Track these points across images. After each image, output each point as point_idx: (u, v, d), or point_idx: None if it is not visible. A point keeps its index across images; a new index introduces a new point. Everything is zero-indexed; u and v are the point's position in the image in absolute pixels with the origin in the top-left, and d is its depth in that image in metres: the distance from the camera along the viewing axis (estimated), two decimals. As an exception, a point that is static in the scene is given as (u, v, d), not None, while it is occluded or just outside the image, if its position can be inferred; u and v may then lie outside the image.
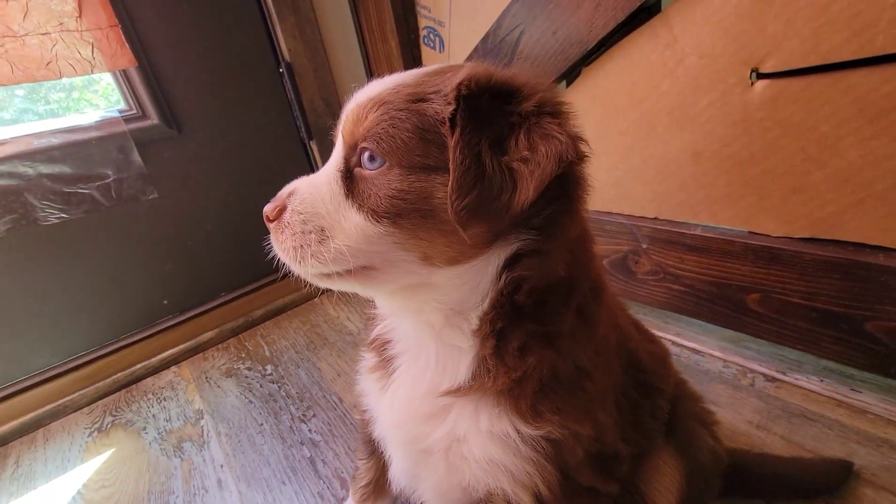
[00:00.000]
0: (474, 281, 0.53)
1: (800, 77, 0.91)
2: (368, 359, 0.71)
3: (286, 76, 1.79)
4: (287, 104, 1.84)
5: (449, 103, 0.49)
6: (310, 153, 1.93)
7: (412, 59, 1.80)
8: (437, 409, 0.59)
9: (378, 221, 0.50)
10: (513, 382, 0.54)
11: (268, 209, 0.55)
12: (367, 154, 0.51)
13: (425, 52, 1.77)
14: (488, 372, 0.55)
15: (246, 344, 1.78)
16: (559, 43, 1.23)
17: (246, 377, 1.58)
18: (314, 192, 0.54)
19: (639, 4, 1.06)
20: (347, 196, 0.53)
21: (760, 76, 0.95)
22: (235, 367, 1.65)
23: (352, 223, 0.52)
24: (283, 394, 1.46)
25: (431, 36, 1.71)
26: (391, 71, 0.57)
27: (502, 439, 0.55)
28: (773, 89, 0.94)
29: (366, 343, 0.73)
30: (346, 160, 0.54)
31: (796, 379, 1.10)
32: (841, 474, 0.84)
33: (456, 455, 0.58)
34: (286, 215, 0.53)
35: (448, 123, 0.49)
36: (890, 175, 0.85)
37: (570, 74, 1.29)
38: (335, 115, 0.60)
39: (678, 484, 0.68)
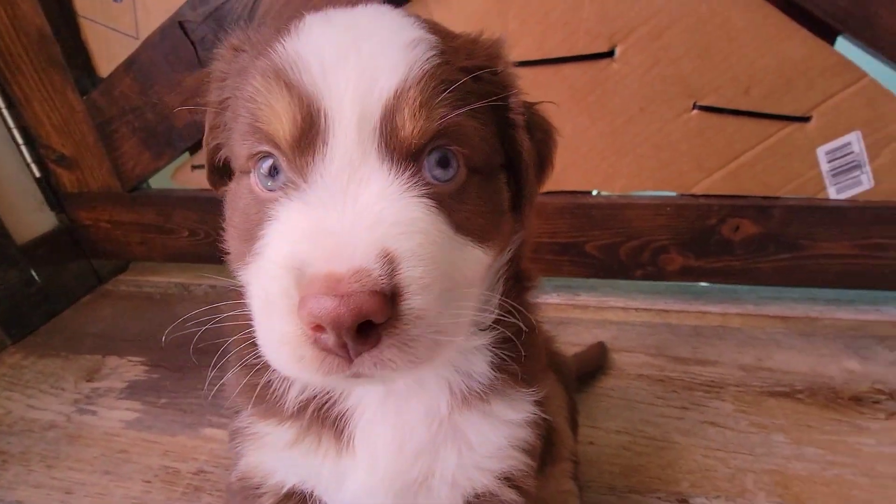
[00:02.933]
0: (494, 278, 0.49)
1: (528, 67, 1.16)
2: (280, 433, 0.52)
3: None
4: None
5: (504, 84, 0.45)
6: None
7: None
8: (444, 428, 0.51)
9: (490, 248, 0.41)
10: (520, 364, 0.52)
11: (367, 308, 0.29)
12: (436, 157, 0.37)
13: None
14: (504, 361, 0.51)
15: None
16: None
17: None
18: (426, 241, 0.34)
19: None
20: (457, 231, 0.38)
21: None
22: None
23: (477, 263, 0.40)
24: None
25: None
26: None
27: (521, 419, 0.53)
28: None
29: (259, 414, 0.52)
30: (413, 173, 0.36)
31: (546, 298, 1.47)
32: (605, 352, 1.21)
33: (468, 462, 0.52)
34: (409, 303, 0.31)
35: (516, 111, 0.44)
36: (586, 143, 1.22)
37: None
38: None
39: (565, 400, 0.82)
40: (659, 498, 0.89)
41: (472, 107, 0.37)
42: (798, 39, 1.03)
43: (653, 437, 1.00)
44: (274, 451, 0.52)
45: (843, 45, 1.05)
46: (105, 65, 1.30)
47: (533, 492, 0.55)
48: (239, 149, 0.41)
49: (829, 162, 1.14)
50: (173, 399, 1.17)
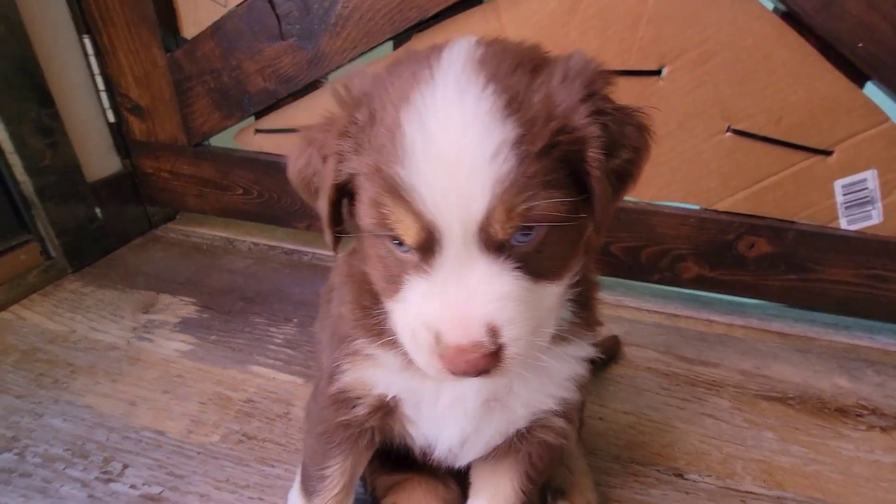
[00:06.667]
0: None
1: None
2: (393, 358, 0.61)
3: None
4: None
5: (582, 138, 0.47)
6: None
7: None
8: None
9: (564, 280, 0.53)
10: (585, 313, 0.65)
11: (482, 365, 0.46)
12: (520, 232, 0.47)
13: None
14: (576, 311, 0.63)
15: None
16: (397, 2, 1.22)
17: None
18: (516, 307, 0.48)
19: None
20: (537, 280, 0.49)
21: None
22: None
23: (553, 296, 0.52)
24: (37, 460, 0.93)
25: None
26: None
27: (584, 355, 0.65)
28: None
29: (374, 341, 0.62)
30: (506, 254, 0.48)
31: (565, 292, 1.58)
32: (618, 343, 1.32)
33: (542, 388, 0.64)
34: (509, 352, 0.47)
35: (587, 147, 0.47)
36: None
37: (400, 37, 1.30)
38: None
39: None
40: (658, 470, 1.00)
41: (552, 197, 0.45)
42: (831, 79, 1.13)
43: (656, 421, 1.11)
44: (385, 371, 0.63)
45: (871, 90, 1.15)
46: (190, 27, 1.41)
47: (574, 422, 0.66)
48: (370, 222, 0.49)
49: (845, 195, 1.24)
50: (222, 337, 1.28)
